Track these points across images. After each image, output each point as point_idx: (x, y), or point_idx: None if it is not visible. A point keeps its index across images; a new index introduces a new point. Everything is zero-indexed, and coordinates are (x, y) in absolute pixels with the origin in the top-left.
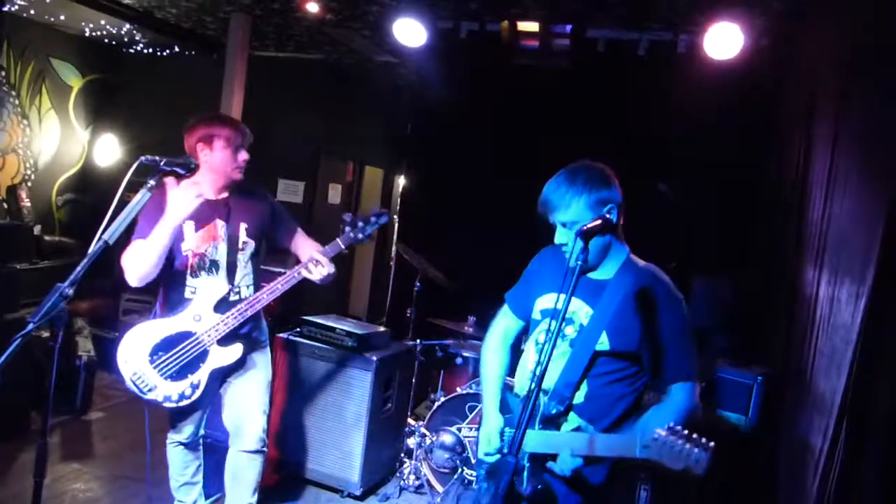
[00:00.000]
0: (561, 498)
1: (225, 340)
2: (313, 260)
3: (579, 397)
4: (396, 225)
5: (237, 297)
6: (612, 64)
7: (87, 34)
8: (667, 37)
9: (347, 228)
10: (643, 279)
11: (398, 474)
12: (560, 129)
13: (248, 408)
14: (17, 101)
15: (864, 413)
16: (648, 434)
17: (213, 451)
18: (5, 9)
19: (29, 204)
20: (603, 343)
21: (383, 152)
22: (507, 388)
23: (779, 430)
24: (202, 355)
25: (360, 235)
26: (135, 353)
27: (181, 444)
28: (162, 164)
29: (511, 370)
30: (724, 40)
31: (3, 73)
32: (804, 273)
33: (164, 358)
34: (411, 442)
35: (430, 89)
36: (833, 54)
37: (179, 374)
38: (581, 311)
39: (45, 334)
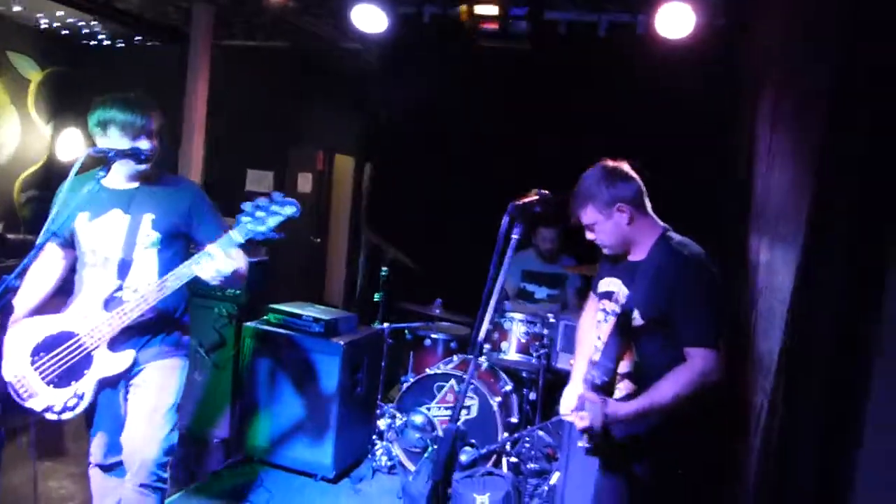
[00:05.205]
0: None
1: (116, 345)
2: (206, 254)
3: (625, 367)
4: (365, 210)
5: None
6: (573, 45)
7: (44, 26)
8: (624, 18)
9: (245, 219)
10: (669, 254)
11: (370, 456)
12: (525, 112)
13: (138, 433)
14: None
15: (799, 372)
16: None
17: None
18: None
19: None
20: (636, 319)
21: (353, 140)
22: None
23: (732, 394)
24: (86, 360)
25: (261, 228)
26: (16, 352)
27: (97, 465)
28: (111, 154)
29: None
30: (676, 19)
31: None
32: (750, 242)
33: (45, 359)
34: (382, 423)
35: (395, 75)
36: (774, 44)
37: (62, 381)
38: (620, 291)
39: None
